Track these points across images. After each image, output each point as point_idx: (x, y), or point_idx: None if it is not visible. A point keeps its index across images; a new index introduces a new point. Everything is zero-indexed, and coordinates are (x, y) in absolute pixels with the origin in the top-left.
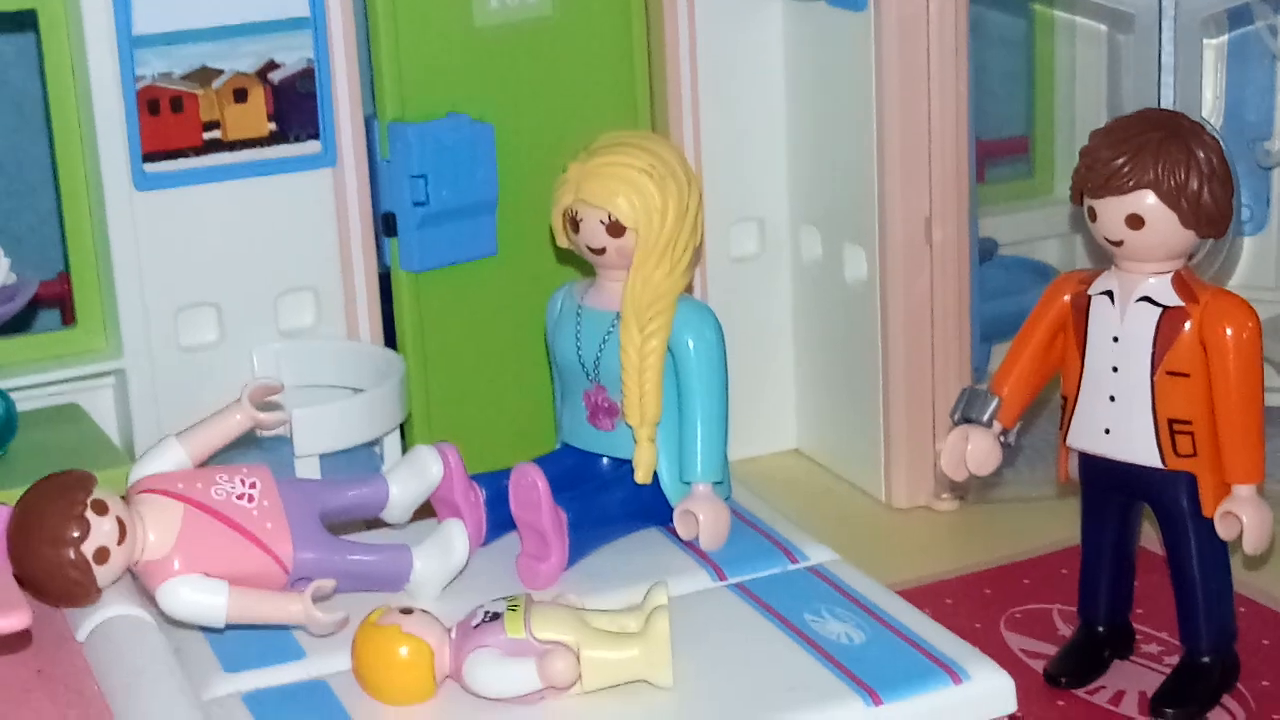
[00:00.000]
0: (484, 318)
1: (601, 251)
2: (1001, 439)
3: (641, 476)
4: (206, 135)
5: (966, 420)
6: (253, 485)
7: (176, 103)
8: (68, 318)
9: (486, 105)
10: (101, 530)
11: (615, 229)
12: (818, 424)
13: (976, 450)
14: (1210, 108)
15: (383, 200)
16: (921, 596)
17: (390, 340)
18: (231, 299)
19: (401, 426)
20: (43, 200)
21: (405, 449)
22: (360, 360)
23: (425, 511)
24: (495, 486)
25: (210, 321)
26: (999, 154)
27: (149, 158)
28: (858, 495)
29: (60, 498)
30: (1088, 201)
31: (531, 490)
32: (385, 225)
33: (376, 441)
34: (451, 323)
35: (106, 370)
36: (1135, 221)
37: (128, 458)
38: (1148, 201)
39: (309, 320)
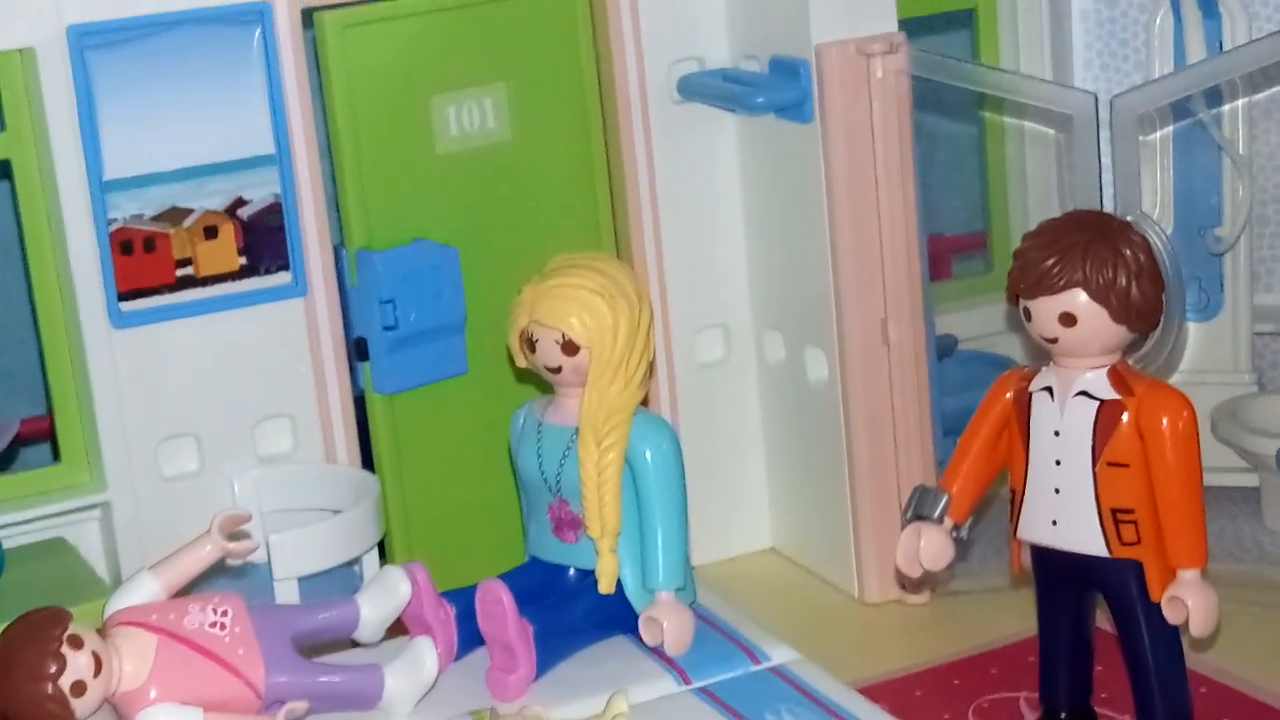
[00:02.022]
0: (457, 435)
1: (558, 370)
2: (953, 534)
3: (605, 586)
4: (179, 272)
5: (919, 518)
6: (224, 613)
7: (149, 243)
8: (58, 454)
9: (451, 229)
10: (78, 664)
11: (569, 348)
12: (790, 522)
13: (929, 546)
14: (1156, 199)
15: (354, 326)
16: (893, 689)
17: (367, 461)
18: (211, 428)
19: (381, 544)
20: (30, 338)
21: (383, 566)
22: (338, 482)
23: (399, 629)
24: (464, 602)
25: (191, 451)
26: (960, 249)
27: (124, 297)
28: (831, 591)
29: (37, 635)
30: (1023, 302)
31: (496, 605)
32: (357, 350)
33: (355, 561)
34: (426, 441)
35: (91, 504)
36: (1068, 319)
37: (112, 590)
38: (1079, 300)
39: (287, 446)
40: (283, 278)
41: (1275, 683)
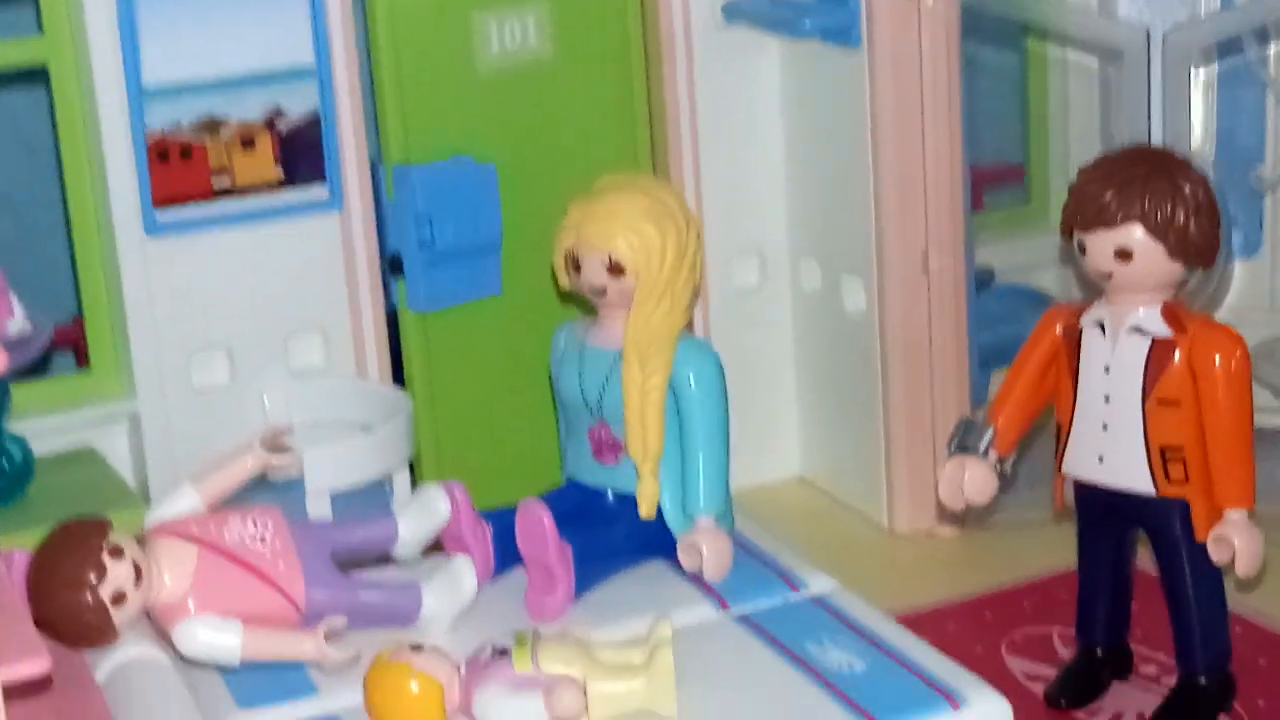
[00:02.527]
0: (490, 356)
1: (602, 292)
2: (998, 468)
3: (645, 511)
4: (215, 183)
5: (963, 450)
6: (265, 527)
7: (185, 151)
8: (81, 361)
9: (489, 147)
10: (118, 574)
11: (616, 269)
12: (821, 452)
13: (973, 479)
14: (1201, 136)
15: (389, 242)
16: (924, 622)
17: (398, 379)
18: (242, 341)
19: (411, 463)
20: (52, 246)
21: (415, 485)
22: (369, 399)
23: (434, 547)
24: (502, 523)
25: (222, 363)
26: (996, 181)
27: (159, 205)
28: (860, 522)
29: (77, 543)
30: (1077, 235)
31: (537, 526)
32: (392, 266)
33: (386, 479)
34: (458, 361)
35: (120, 413)
36: (1124, 254)
37: (142, 500)
38: (1136, 234)
39: (318, 360)
40: (319, 191)
41: None
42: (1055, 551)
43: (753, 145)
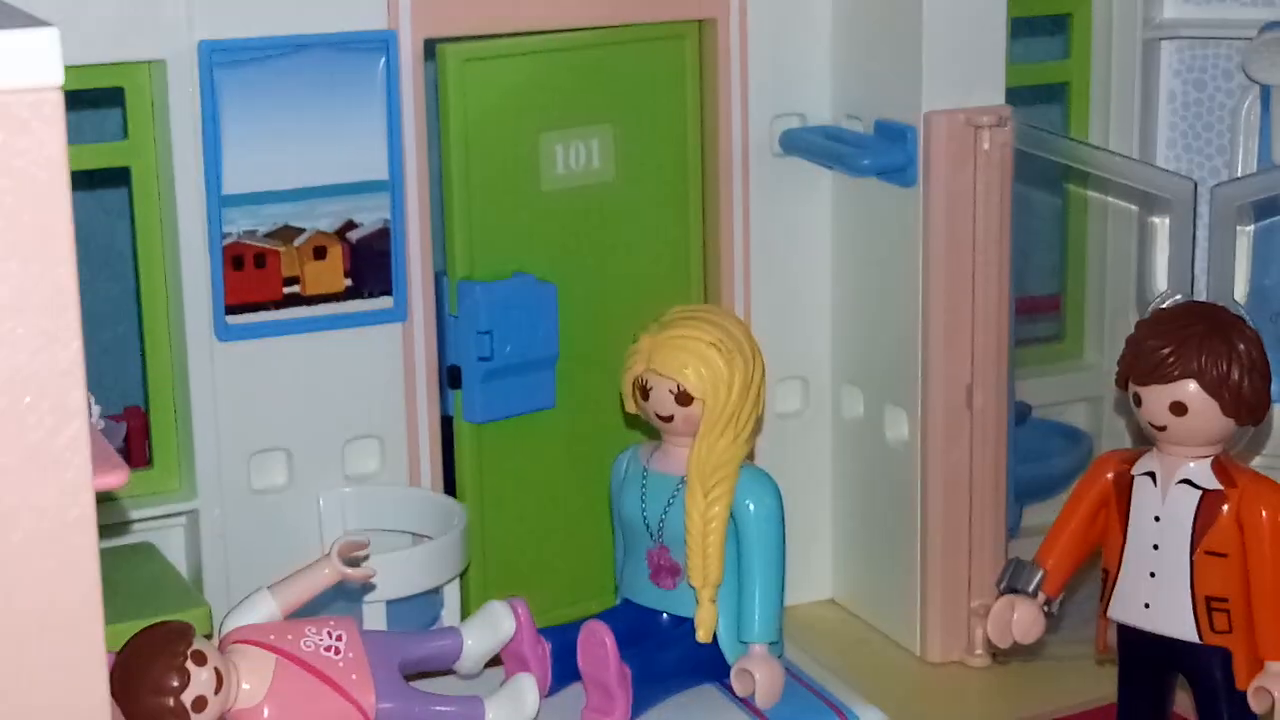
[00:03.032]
0: (540, 468)
1: (669, 419)
2: (1045, 609)
3: (703, 636)
4: (286, 290)
5: (1013, 590)
6: (339, 637)
7: (260, 259)
8: (134, 458)
9: (549, 264)
10: (200, 680)
11: (684, 398)
12: (854, 576)
13: (1022, 619)
14: (1238, 287)
15: (449, 354)
16: None
17: (449, 488)
18: (301, 445)
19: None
20: (105, 335)
21: (463, 596)
22: (423, 507)
23: (493, 661)
24: (560, 640)
25: (280, 466)
26: (1030, 311)
27: (230, 310)
28: (892, 648)
29: (163, 648)
30: (1133, 388)
31: (600, 648)
32: (450, 378)
33: (439, 588)
34: (509, 471)
35: (180, 511)
36: (1179, 408)
37: (203, 598)
38: (1190, 390)
39: (374, 467)
40: (385, 302)
41: None
42: (1086, 686)
43: (802, 272)
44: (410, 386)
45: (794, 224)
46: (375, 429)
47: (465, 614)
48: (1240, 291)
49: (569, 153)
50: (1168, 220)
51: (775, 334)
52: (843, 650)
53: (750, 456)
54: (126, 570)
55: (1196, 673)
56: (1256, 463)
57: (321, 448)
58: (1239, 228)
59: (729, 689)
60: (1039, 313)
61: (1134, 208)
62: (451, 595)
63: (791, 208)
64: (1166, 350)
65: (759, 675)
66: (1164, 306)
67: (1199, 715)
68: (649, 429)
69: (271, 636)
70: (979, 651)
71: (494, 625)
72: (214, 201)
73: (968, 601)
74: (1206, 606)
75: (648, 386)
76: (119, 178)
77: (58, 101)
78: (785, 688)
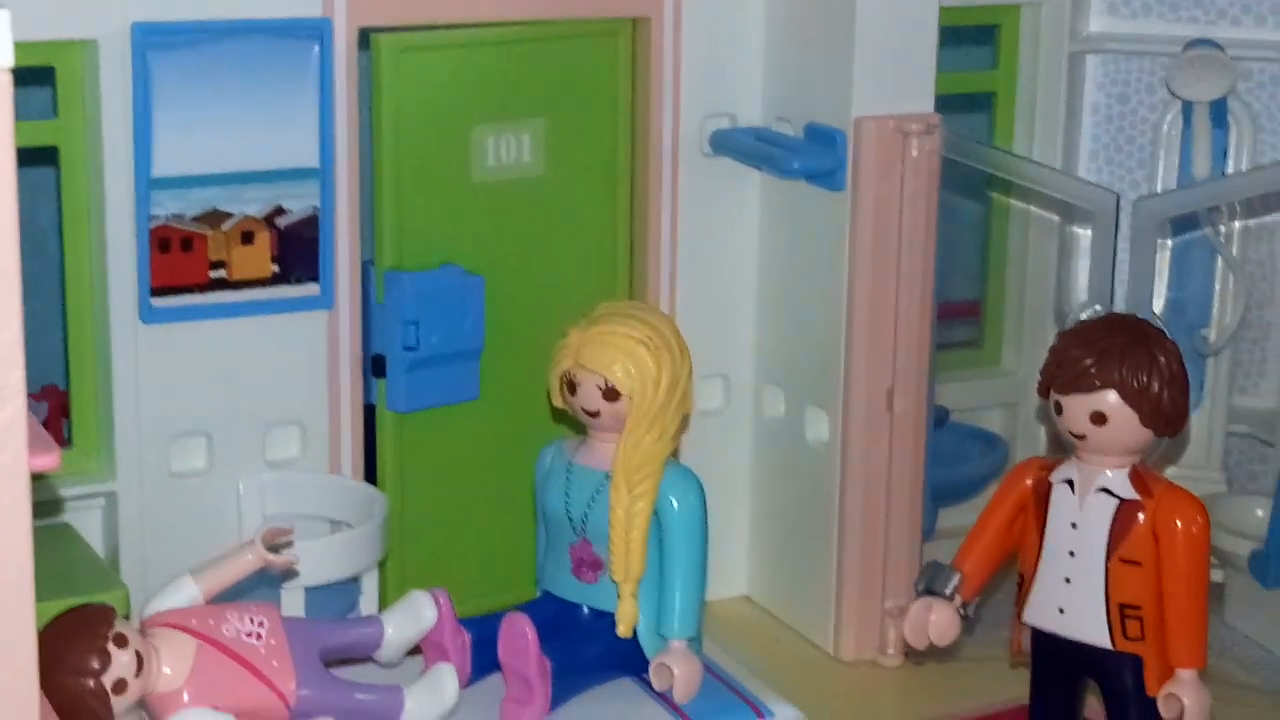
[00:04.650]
0: (462, 460)
1: (596, 415)
2: (961, 611)
3: (624, 630)
4: (212, 274)
5: (930, 592)
6: (261, 624)
7: (187, 242)
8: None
9: (478, 257)
10: (121, 662)
11: (611, 394)
12: (770, 574)
13: (939, 621)
14: (1156, 300)
15: (374, 343)
16: None
17: (369, 477)
18: (223, 429)
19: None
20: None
21: (381, 585)
22: (343, 495)
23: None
24: (481, 631)
25: (201, 450)
26: (949, 316)
27: (156, 292)
28: (805, 645)
29: (85, 630)
30: (1054, 396)
31: (521, 639)
32: (374, 367)
33: (358, 576)
34: (430, 463)
35: (99, 492)
36: (1099, 418)
37: (121, 580)
38: (1111, 400)
39: (295, 453)
40: (311, 289)
41: None
42: (997, 688)
43: (728, 271)
44: (334, 374)
45: (721, 223)
46: (297, 415)
47: (383, 603)
48: (1158, 304)
49: (500, 145)
50: (1089, 231)
51: (699, 332)
52: (757, 647)
53: (675, 454)
54: (44, 551)
55: (1108, 678)
56: (1171, 473)
57: (243, 433)
58: (1158, 241)
59: (647, 683)
60: (959, 318)
61: (1055, 218)
62: (370, 584)
63: (720, 207)
64: (1089, 360)
65: (677, 670)
66: (1086, 317)
67: (1109, 718)
68: (574, 423)
69: (193, 621)
70: (891, 651)
71: (415, 614)
72: (142, 183)
73: (882, 601)
74: (1120, 613)
75: (575, 382)
76: (42, 154)
77: (6, 83)
78: (703, 684)
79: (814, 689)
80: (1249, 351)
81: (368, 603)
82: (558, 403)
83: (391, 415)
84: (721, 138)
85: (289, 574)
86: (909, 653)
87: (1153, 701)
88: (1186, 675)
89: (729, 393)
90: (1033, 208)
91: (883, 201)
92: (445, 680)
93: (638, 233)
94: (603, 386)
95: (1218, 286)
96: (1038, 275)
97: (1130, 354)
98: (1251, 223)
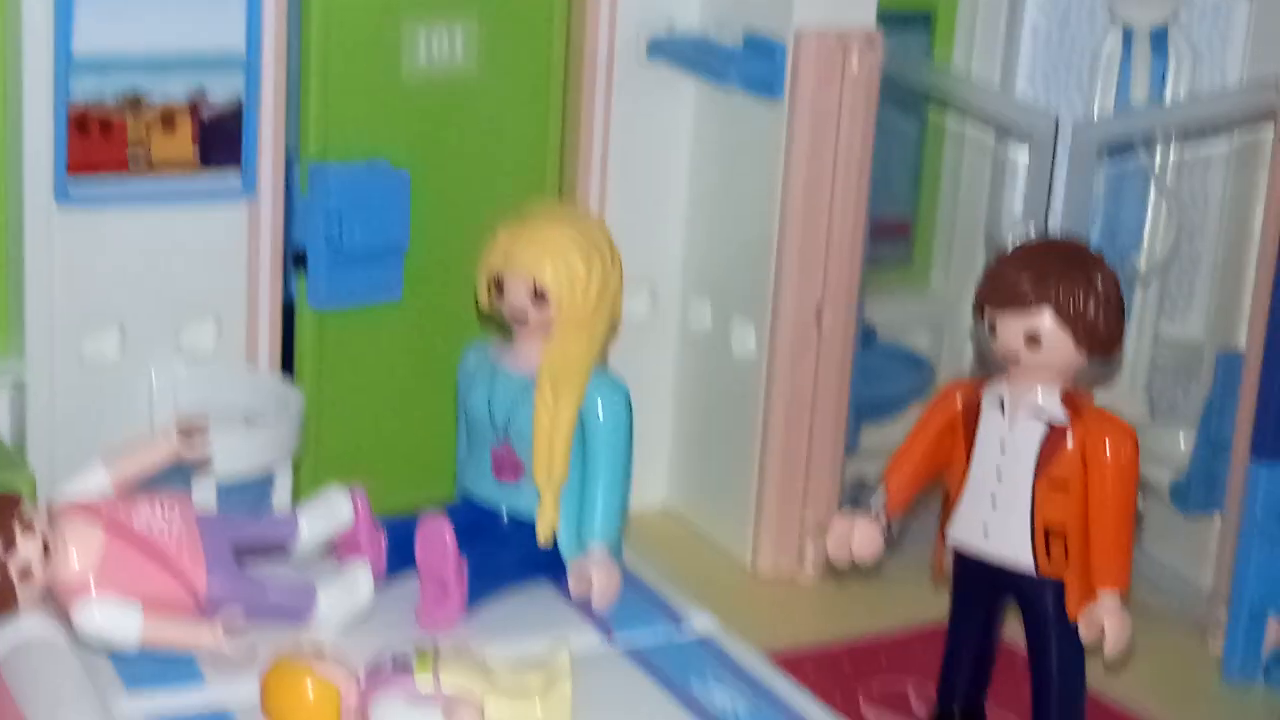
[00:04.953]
0: (381, 360)
1: (523, 317)
2: (886, 528)
3: (543, 534)
4: (131, 159)
5: (855, 508)
6: (172, 516)
7: (105, 125)
8: None
9: (405, 153)
10: (27, 549)
11: (539, 296)
12: (690, 487)
13: (862, 536)
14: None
15: (296, 237)
16: (783, 665)
17: (287, 373)
18: (137, 319)
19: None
20: None
21: (295, 483)
22: (258, 390)
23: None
24: (398, 531)
25: (114, 339)
26: (880, 235)
27: (73, 176)
28: (723, 559)
29: None
30: (989, 314)
31: (438, 540)
32: (295, 261)
33: (270, 471)
34: (349, 361)
35: (6, 378)
36: (1032, 339)
37: (28, 466)
38: (1046, 320)
39: (209, 346)
40: (233, 178)
41: (1142, 703)
42: (912, 607)
43: (659, 179)
44: (254, 267)
45: (656, 131)
46: (214, 308)
47: (296, 500)
48: (1093, 232)
49: (431, 41)
50: (1024, 154)
51: (628, 240)
52: (676, 559)
53: (603, 360)
54: None
55: (1029, 601)
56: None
57: (157, 323)
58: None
59: (566, 589)
60: (889, 237)
61: (990, 140)
62: (283, 481)
63: (654, 115)
64: (1026, 280)
65: (596, 577)
66: (1021, 239)
67: (1029, 643)
68: (500, 325)
69: (103, 510)
70: (810, 567)
71: (331, 511)
72: (62, 62)
73: (802, 517)
74: (1044, 536)
75: (503, 282)
76: None
77: None
78: (621, 591)
79: (731, 603)
80: (1178, 282)
81: (281, 501)
82: (484, 304)
83: (312, 312)
84: (659, 44)
85: (201, 466)
86: (829, 568)
87: (1073, 625)
88: (1108, 598)
89: (656, 303)
90: (968, 129)
91: (820, 115)
92: (359, 579)
93: (570, 137)
94: (531, 288)
95: (1150, 215)
96: (970, 197)
97: (1068, 276)
98: (1187, 153)
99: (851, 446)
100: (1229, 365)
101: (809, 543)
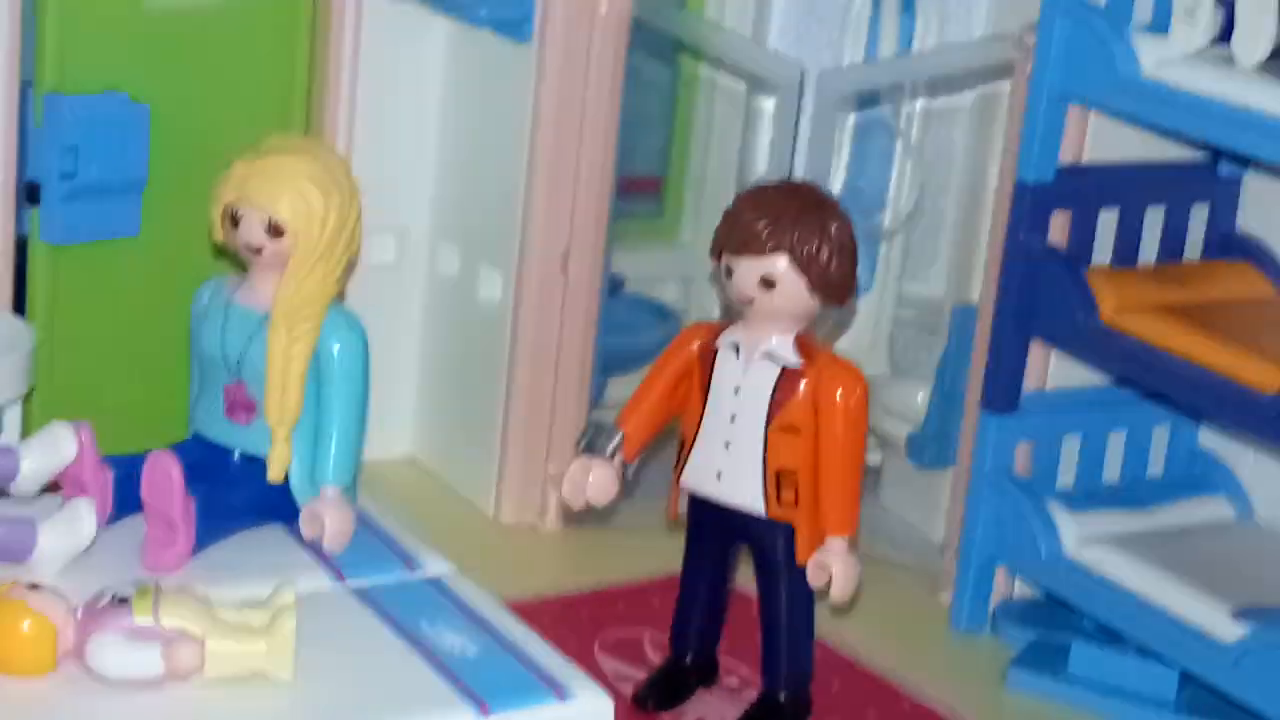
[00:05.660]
0: (118, 297)
1: (258, 251)
2: (622, 472)
3: (275, 474)
4: None
5: (590, 451)
6: None
7: None
8: None
9: (145, 86)
10: None
11: (275, 230)
12: (434, 435)
13: (597, 481)
14: (834, 178)
15: (29, 169)
16: (521, 613)
17: (19, 310)
18: None
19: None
20: None
21: (24, 421)
22: None
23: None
24: (125, 469)
25: None
26: (632, 190)
27: None
28: (466, 508)
29: None
30: (726, 259)
31: (165, 479)
32: (28, 194)
33: None
34: (84, 299)
35: None
36: (768, 283)
37: None
38: (780, 266)
39: None
40: None
41: (872, 652)
42: (651, 557)
43: (408, 121)
44: None
45: (405, 71)
46: None
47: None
48: (836, 187)
49: None
50: (773, 104)
51: (375, 182)
52: (418, 507)
53: (341, 298)
54: None
55: (759, 546)
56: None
57: None
58: (840, 126)
59: (297, 532)
60: (642, 190)
61: (743, 92)
62: (12, 419)
63: (404, 54)
64: (761, 224)
65: (328, 519)
66: (763, 182)
67: (759, 588)
68: (237, 262)
69: None
70: (551, 517)
71: (54, 447)
72: None
73: (545, 467)
74: (775, 480)
75: (238, 216)
76: None
77: None
78: (354, 535)
79: (471, 550)
80: (921, 239)
81: (9, 438)
82: (219, 238)
83: (45, 246)
84: None
85: None
86: (567, 515)
87: (802, 571)
88: (836, 544)
89: (403, 247)
90: (721, 78)
91: (570, 56)
92: (82, 515)
93: (317, 75)
94: (267, 222)
95: (895, 172)
96: (722, 148)
97: (803, 220)
98: (932, 110)
99: (597, 398)
100: (964, 318)
101: (552, 493)
